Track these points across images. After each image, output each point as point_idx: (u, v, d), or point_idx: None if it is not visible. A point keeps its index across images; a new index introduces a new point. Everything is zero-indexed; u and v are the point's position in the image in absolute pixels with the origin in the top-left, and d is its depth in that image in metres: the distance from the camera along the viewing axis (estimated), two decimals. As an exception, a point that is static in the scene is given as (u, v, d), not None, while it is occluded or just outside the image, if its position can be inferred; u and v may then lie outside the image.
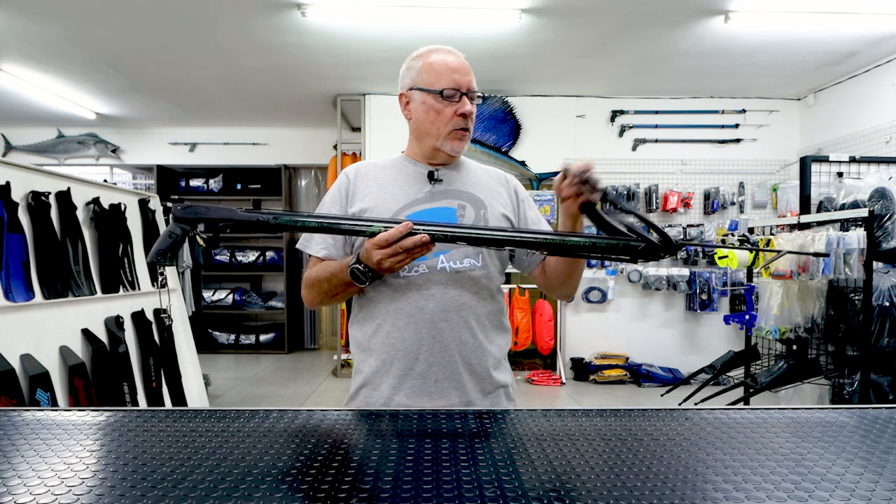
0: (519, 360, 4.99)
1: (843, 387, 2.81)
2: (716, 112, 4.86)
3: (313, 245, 1.14)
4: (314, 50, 3.87)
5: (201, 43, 3.74)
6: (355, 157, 5.24)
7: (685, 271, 4.77)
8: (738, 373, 3.26)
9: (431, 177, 1.13)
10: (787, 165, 4.82)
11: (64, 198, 2.44)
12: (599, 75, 4.42)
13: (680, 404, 2.87)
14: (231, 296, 6.15)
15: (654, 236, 0.90)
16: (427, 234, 0.94)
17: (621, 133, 4.90)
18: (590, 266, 4.82)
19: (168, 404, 2.93)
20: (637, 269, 4.80)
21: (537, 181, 4.84)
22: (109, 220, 2.74)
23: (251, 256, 6.26)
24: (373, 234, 0.96)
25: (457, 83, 1.08)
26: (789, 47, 3.80)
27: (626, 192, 4.75)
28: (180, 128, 6.07)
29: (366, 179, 1.16)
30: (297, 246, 1.19)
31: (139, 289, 2.91)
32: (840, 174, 3.26)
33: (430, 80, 1.10)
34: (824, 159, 3.18)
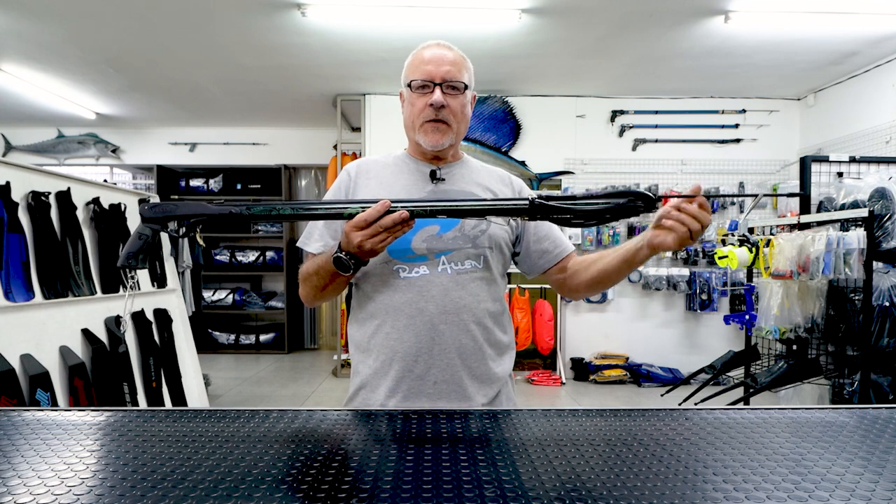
0: (519, 360, 4.99)
1: (843, 387, 2.81)
2: (716, 112, 4.86)
3: (312, 242, 1.13)
4: (314, 50, 3.87)
5: (201, 43, 3.74)
6: (355, 157, 5.24)
7: (685, 271, 4.77)
8: (738, 373, 3.26)
9: (434, 175, 1.12)
10: (787, 165, 4.82)
11: (64, 198, 2.44)
12: (599, 75, 4.42)
13: (680, 404, 2.87)
14: (231, 296, 6.15)
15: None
16: (406, 211, 0.91)
17: (621, 133, 4.90)
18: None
19: (168, 404, 2.92)
20: (637, 269, 4.80)
21: (537, 181, 4.83)
22: (109, 220, 2.74)
23: (251, 256, 6.26)
24: (350, 216, 0.92)
25: (428, 74, 1.07)
26: (789, 47, 3.80)
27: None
28: (180, 128, 6.07)
29: (367, 177, 1.14)
30: (298, 244, 1.16)
31: (139, 289, 2.91)
32: (840, 174, 3.26)
33: (408, 74, 1.11)
34: (824, 159, 3.19)
